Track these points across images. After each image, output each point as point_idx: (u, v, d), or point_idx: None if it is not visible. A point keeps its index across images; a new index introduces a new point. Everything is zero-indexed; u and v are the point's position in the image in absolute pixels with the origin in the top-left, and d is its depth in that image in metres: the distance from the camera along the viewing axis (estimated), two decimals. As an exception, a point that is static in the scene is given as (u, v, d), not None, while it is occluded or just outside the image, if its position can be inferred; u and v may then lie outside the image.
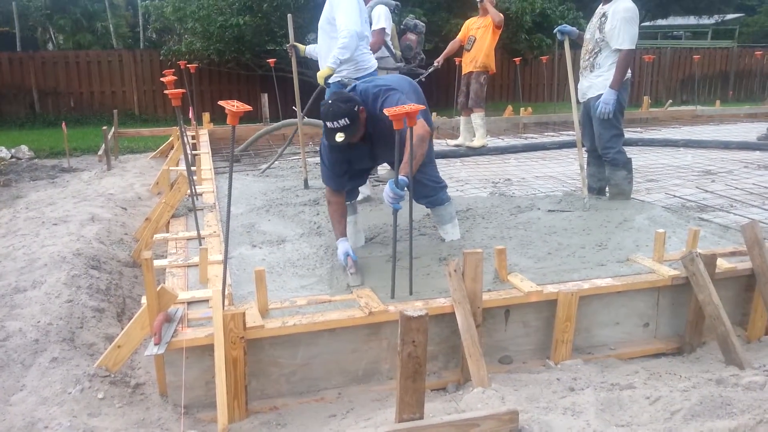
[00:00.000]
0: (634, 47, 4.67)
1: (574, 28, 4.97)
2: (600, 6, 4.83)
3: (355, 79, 4.92)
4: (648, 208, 4.77)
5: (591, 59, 4.84)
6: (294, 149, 7.57)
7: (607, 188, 5.12)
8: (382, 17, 5.96)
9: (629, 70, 4.79)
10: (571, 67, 4.87)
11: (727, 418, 2.27)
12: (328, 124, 3.31)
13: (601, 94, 4.75)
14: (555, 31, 4.98)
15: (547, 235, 4.15)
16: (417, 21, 6.70)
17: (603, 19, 4.72)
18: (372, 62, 5.06)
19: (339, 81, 4.98)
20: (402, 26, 6.67)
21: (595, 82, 4.82)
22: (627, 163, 4.96)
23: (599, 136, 4.88)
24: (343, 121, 3.28)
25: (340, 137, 3.29)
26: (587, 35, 4.91)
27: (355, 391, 2.99)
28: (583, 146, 5.04)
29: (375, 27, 5.97)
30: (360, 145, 3.60)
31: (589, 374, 2.98)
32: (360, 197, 4.82)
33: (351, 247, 3.59)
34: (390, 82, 3.72)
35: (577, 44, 4.99)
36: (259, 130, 8.67)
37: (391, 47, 6.14)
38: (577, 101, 4.99)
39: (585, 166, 4.95)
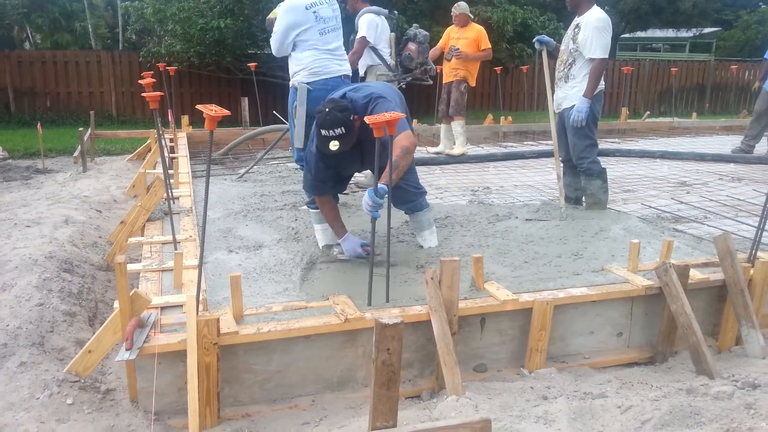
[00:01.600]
0: (606, 56, 4.73)
1: (551, 39, 5.03)
2: (575, 18, 4.89)
3: (306, 83, 4.93)
4: (624, 219, 4.82)
5: (566, 70, 4.89)
6: (272, 154, 7.54)
7: (583, 198, 5.16)
8: (364, 26, 5.97)
9: (602, 81, 4.84)
10: (549, 77, 4.92)
11: (695, 428, 2.30)
12: (323, 132, 3.29)
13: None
14: (534, 40, 5.03)
15: (525, 243, 4.18)
16: (418, 31, 6.68)
17: (576, 29, 4.80)
18: (331, 68, 5.03)
19: (291, 85, 5.04)
20: (404, 36, 6.67)
21: (570, 93, 4.87)
22: (601, 173, 5.01)
23: (573, 146, 4.94)
24: (339, 131, 3.27)
25: (334, 146, 3.28)
26: (562, 46, 4.97)
27: (330, 398, 2.97)
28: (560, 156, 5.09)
29: (358, 35, 5.99)
30: (350, 152, 3.58)
31: (563, 383, 3.00)
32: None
33: (359, 240, 3.68)
34: (378, 89, 3.71)
35: (553, 55, 5.05)
36: (238, 134, 8.63)
37: (384, 56, 6.14)
38: (555, 111, 5.04)
39: (561, 176, 5.00)
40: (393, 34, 6.22)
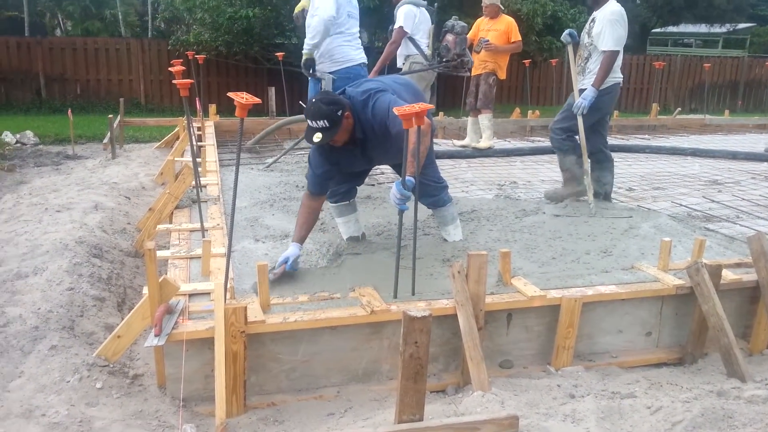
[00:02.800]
0: (619, 49, 4.73)
1: (577, 35, 5.04)
2: (594, 11, 4.91)
3: (330, 72, 4.96)
4: (654, 217, 4.75)
5: (583, 64, 4.93)
6: (299, 144, 7.55)
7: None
8: (401, 16, 5.97)
9: (620, 74, 4.85)
10: (575, 72, 4.91)
11: (729, 431, 2.25)
12: (309, 122, 3.30)
13: None
14: (563, 35, 5.02)
15: (552, 239, 4.13)
16: (456, 22, 6.64)
17: (592, 23, 4.82)
18: (352, 56, 5.10)
19: (315, 75, 5.09)
20: (442, 27, 6.64)
21: (588, 84, 4.86)
22: (574, 148, 5.00)
23: (556, 120, 5.06)
24: (321, 123, 3.25)
25: (317, 138, 3.26)
26: (584, 40, 4.96)
27: (355, 390, 2.97)
28: None
29: (396, 26, 5.99)
30: (350, 148, 3.56)
31: (590, 381, 2.96)
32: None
33: (294, 256, 3.41)
34: (378, 83, 3.67)
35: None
36: (264, 123, 8.65)
37: (421, 46, 6.12)
38: None
39: (590, 172, 4.93)
40: (432, 25, 6.19)
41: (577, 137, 4.94)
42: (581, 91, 4.87)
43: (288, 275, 3.37)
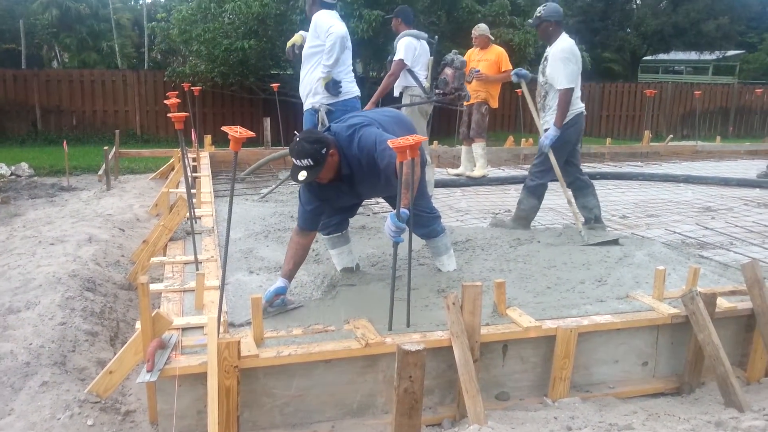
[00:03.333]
0: (573, 85, 4.87)
1: (528, 72, 5.30)
2: (547, 48, 5.07)
3: (328, 104, 5.01)
4: (648, 244, 4.76)
5: (542, 101, 5.07)
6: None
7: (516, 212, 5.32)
8: (402, 49, 6.04)
9: (580, 104, 5.01)
10: (533, 106, 5.16)
11: (727, 465, 2.22)
12: (294, 161, 3.32)
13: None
14: (512, 74, 5.33)
15: (547, 268, 4.13)
16: (456, 56, 6.73)
17: (545, 62, 4.95)
18: (349, 88, 5.18)
19: (311, 107, 5.13)
20: (441, 61, 6.72)
21: (550, 121, 4.99)
22: (541, 196, 5.18)
23: (532, 164, 5.18)
24: (306, 161, 3.26)
25: (302, 176, 3.27)
26: (539, 78, 5.10)
27: (349, 424, 2.94)
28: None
29: (395, 57, 6.06)
30: (338, 184, 3.57)
31: (587, 413, 2.93)
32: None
33: (282, 293, 3.41)
34: (362, 117, 3.67)
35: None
36: (260, 153, 8.69)
37: (420, 78, 6.19)
38: None
39: (573, 200, 5.02)
40: (431, 58, 6.26)
41: (550, 175, 5.08)
42: (544, 129, 5.03)
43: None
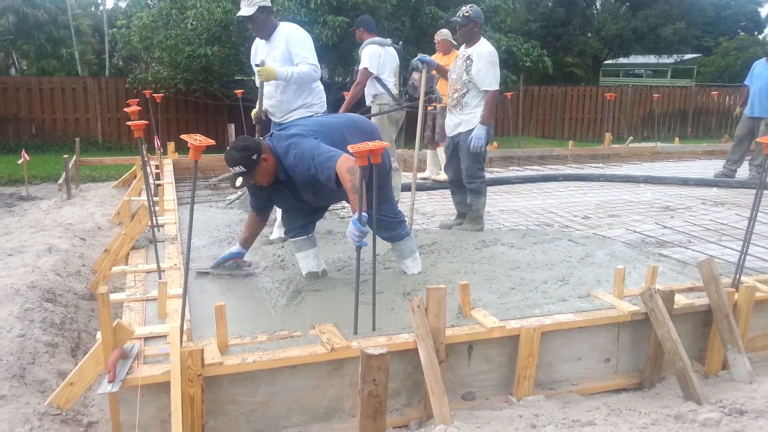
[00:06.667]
0: (498, 88, 5.10)
1: (433, 60, 5.46)
2: (463, 48, 5.25)
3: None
4: (609, 244, 4.85)
5: (458, 98, 5.19)
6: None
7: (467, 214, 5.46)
8: (366, 58, 6.04)
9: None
10: (423, 93, 5.32)
11: (685, 456, 2.28)
12: (230, 168, 3.54)
13: (471, 130, 5.09)
14: (415, 60, 5.37)
15: (511, 269, 4.18)
16: (416, 60, 6.74)
17: (469, 61, 5.08)
18: (316, 104, 4.94)
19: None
20: (410, 66, 6.74)
21: (465, 119, 5.16)
22: (485, 191, 5.35)
23: (467, 168, 5.24)
24: (238, 168, 3.47)
25: (238, 182, 3.53)
26: (453, 75, 5.27)
27: (317, 429, 2.93)
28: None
29: (360, 67, 6.05)
30: (279, 187, 3.74)
31: (551, 411, 2.98)
32: (274, 236, 4.92)
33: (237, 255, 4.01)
34: (302, 128, 3.69)
35: (431, 75, 5.55)
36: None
37: (389, 85, 6.19)
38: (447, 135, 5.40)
39: (413, 205, 5.41)
40: (398, 63, 6.27)
41: (483, 169, 5.32)
42: (456, 125, 5.22)
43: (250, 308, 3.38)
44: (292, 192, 3.74)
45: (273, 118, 4.88)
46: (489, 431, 2.67)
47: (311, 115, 4.80)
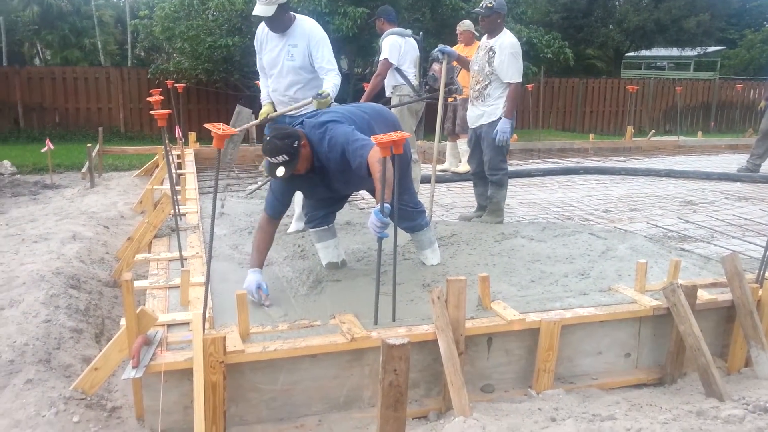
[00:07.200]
0: (521, 80, 5.06)
1: (454, 50, 5.42)
2: (485, 39, 5.20)
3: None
4: (630, 238, 4.81)
5: (481, 89, 5.16)
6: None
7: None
8: (387, 48, 6.03)
9: None
10: (444, 85, 5.26)
11: (707, 452, 2.27)
12: (269, 159, 3.37)
13: (494, 122, 5.07)
14: (436, 50, 5.31)
15: (531, 262, 4.17)
16: (437, 51, 6.70)
17: (491, 53, 5.04)
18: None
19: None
20: (430, 57, 6.72)
21: (487, 110, 5.14)
22: (506, 183, 5.34)
23: (490, 160, 5.22)
24: (281, 157, 3.33)
25: (280, 172, 3.35)
26: (475, 66, 5.24)
27: (336, 418, 2.96)
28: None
29: (381, 57, 6.04)
30: (311, 176, 3.63)
31: (571, 404, 2.97)
32: (292, 229, 4.86)
33: (262, 281, 3.49)
34: (335, 114, 3.68)
35: (451, 67, 5.50)
36: (245, 150, 8.66)
37: (409, 76, 6.17)
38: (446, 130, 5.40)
39: (433, 197, 5.36)
40: (418, 54, 6.24)
41: (506, 161, 5.33)
42: (478, 116, 5.20)
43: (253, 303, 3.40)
44: (324, 181, 3.68)
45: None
46: (508, 423, 2.67)
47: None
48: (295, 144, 3.37)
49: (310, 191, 3.85)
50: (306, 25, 4.62)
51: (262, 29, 4.76)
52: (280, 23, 4.57)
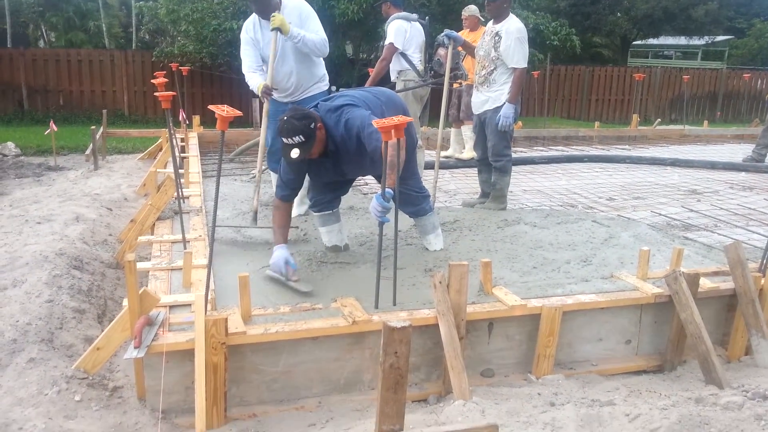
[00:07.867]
0: (526, 65, 5.03)
1: (460, 36, 5.38)
2: (491, 24, 5.16)
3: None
4: (633, 226, 4.80)
5: (486, 75, 5.13)
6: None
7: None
8: (393, 32, 5.99)
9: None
10: (449, 70, 5.20)
11: (705, 438, 2.28)
12: (284, 140, 3.33)
13: (499, 107, 5.04)
14: (441, 35, 5.30)
15: (533, 249, 4.17)
16: (443, 36, 6.67)
17: (497, 38, 5.01)
18: (326, 79, 4.94)
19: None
20: (435, 42, 6.67)
21: (492, 96, 5.11)
22: (510, 170, 5.31)
23: (494, 146, 5.19)
24: (297, 138, 3.30)
25: (295, 153, 3.32)
26: (480, 52, 5.20)
27: (336, 400, 2.97)
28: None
29: (386, 42, 6.00)
30: (322, 160, 3.62)
31: (570, 390, 2.98)
32: (294, 214, 4.78)
33: (290, 256, 3.49)
34: (349, 98, 3.68)
35: (458, 52, 5.47)
36: (248, 134, 8.65)
37: (414, 61, 6.14)
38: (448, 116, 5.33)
39: (436, 183, 5.38)
40: (424, 39, 6.20)
41: (510, 147, 5.28)
42: (483, 102, 5.16)
43: (274, 282, 3.41)
44: (335, 164, 3.68)
45: (282, 99, 4.82)
46: (508, 408, 2.68)
47: (328, 89, 4.83)
48: (312, 126, 3.35)
49: (318, 175, 3.83)
50: (293, 3, 4.65)
51: (253, 26, 4.74)
52: (267, 6, 4.54)
